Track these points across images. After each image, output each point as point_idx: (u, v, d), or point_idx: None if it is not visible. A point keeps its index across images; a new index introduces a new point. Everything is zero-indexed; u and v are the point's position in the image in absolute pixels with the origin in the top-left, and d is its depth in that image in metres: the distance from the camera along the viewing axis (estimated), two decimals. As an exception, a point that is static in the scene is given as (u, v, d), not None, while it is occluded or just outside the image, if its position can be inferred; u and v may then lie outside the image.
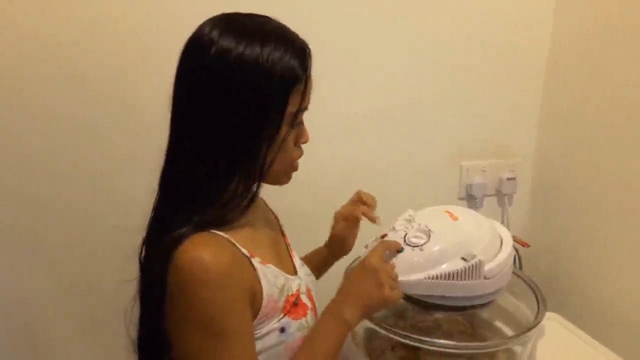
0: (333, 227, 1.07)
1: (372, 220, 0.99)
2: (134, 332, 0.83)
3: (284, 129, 0.78)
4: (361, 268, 0.86)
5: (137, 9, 1.12)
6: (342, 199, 1.12)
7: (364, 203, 1.01)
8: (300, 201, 1.18)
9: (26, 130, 1.10)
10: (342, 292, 0.86)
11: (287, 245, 1.01)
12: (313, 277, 1.00)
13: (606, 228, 1.33)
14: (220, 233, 0.78)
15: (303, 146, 0.85)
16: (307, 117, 0.83)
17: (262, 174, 0.80)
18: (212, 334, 0.72)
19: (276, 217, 1.04)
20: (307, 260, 1.07)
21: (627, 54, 1.23)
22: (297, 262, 0.98)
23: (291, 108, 0.78)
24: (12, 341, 1.19)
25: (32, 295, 1.18)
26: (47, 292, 1.19)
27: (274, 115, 0.76)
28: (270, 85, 0.75)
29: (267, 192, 0.93)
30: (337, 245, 1.08)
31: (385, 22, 1.32)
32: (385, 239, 0.93)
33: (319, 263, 1.10)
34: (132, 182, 1.04)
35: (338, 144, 1.36)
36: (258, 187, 0.82)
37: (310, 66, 0.80)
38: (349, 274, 0.93)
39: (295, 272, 0.94)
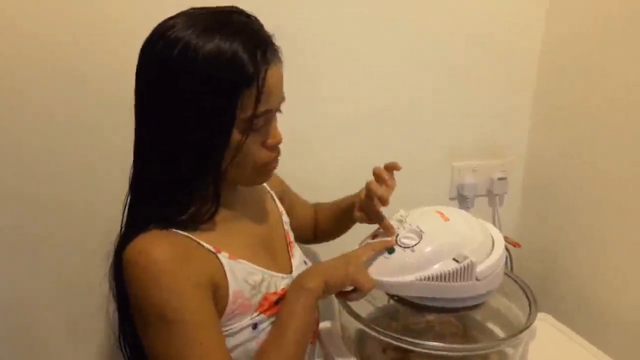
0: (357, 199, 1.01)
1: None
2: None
3: (235, 134, 0.75)
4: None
5: (137, 9, 1.12)
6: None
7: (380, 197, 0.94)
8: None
9: (26, 130, 1.11)
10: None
11: (287, 243, 1.00)
12: None
13: (600, 228, 1.33)
14: (179, 231, 0.77)
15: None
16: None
17: (220, 177, 0.78)
18: (164, 326, 0.71)
19: (281, 214, 1.03)
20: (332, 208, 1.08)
21: (619, 54, 1.23)
22: (297, 261, 0.97)
23: (244, 112, 0.73)
24: (11, 341, 1.20)
25: (32, 295, 1.19)
26: (47, 292, 1.20)
27: (222, 114, 0.73)
28: (215, 78, 0.71)
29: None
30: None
31: (385, 22, 1.31)
32: (377, 239, 0.94)
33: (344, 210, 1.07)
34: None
35: (338, 144, 1.36)
36: (218, 190, 0.80)
37: (268, 68, 0.74)
38: None
39: (290, 272, 0.93)
